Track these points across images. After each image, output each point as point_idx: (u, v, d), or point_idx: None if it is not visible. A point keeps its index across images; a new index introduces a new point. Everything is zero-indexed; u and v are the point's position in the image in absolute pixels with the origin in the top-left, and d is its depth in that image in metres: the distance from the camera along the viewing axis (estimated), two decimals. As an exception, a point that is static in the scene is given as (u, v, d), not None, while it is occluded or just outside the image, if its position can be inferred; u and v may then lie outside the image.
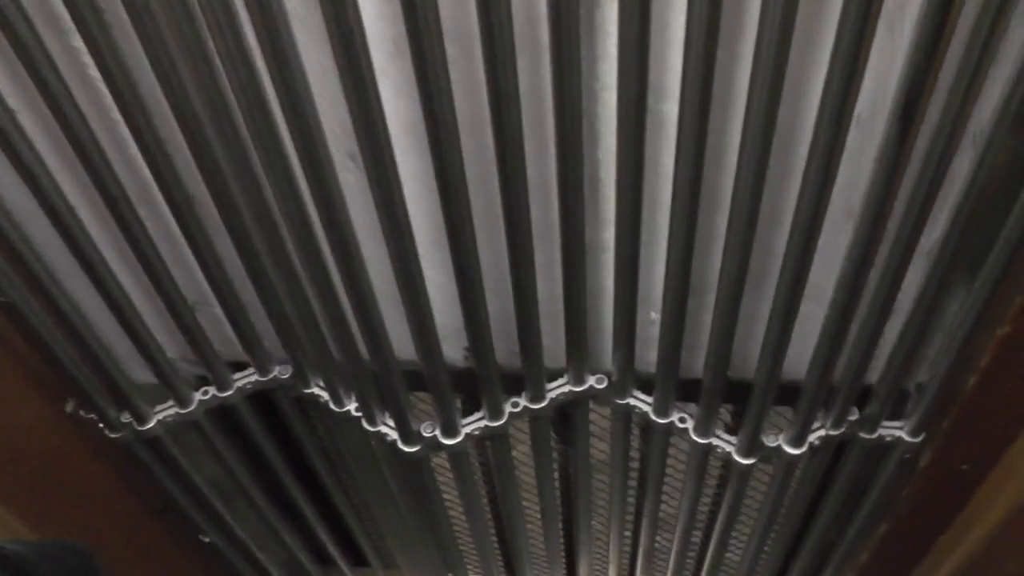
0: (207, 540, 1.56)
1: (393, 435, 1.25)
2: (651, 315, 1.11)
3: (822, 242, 0.90)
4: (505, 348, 1.13)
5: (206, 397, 1.28)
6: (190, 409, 1.28)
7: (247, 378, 1.28)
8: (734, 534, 1.46)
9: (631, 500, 1.58)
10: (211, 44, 0.80)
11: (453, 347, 1.19)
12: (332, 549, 1.74)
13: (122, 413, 1.26)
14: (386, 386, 1.16)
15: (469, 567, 1.74)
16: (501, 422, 1.22)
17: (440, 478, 1.43)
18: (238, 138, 0.89)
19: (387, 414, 1.24)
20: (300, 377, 1.26)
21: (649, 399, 1.20)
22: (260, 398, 1.33)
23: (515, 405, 1.21)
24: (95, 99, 0.93)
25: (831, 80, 0.74)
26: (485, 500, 1.67)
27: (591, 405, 1.25)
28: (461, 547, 1.64)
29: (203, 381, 1.28)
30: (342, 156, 0.96)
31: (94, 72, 0.86)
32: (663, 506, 1.44)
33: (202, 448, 1.38)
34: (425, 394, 1.21)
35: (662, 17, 0.79)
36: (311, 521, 1.63)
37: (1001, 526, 1.10)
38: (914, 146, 0.80)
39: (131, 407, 1.25)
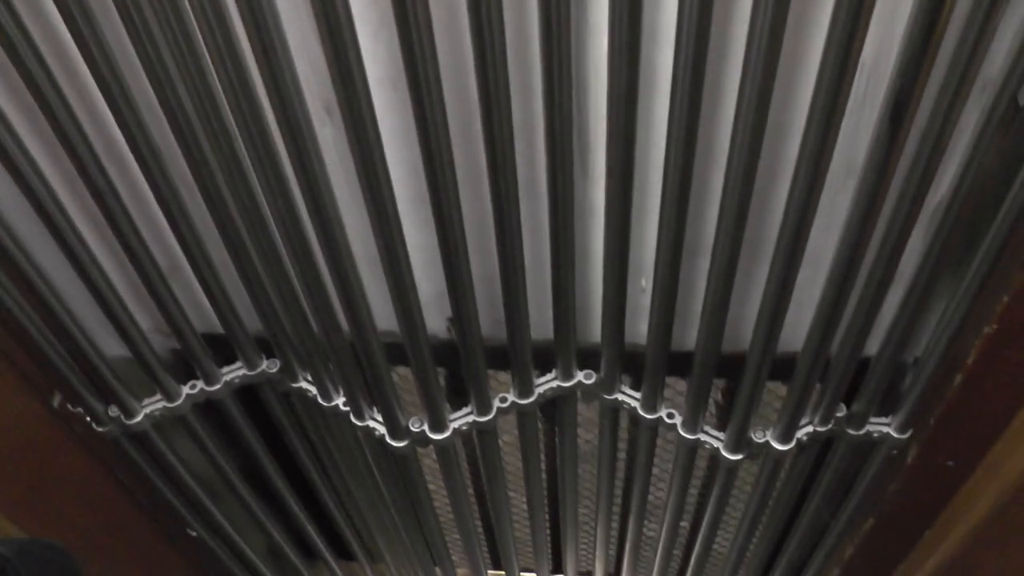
0: (194, 534, 1.56)
1: (381, 430, 1.24)
2: (642, 282, 1.10)
3: (822, 202, 0.86)
4: (489, 318, 1.12)
5: (193, 391, 1.28)
6: (177, 403, 1.28)
7: (235, 372, 1.28)
8: (721, 528, 1.46)
9: (618, 493, 1.58)
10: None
11: (436, 318, 1.18)
12: (318, 542, 1.74)
13: (109, 407, 1.26)
14: (371, 368, 1.14)
15: (455, 560, 1.74)
16: (489, 417, 1.22)
17: (426, 471, 1.43)
18: (207, 87, 0.85)
19: (375, 408, 1.24)
20: (288, 371, 1.26)
21: (637, 395, 1.20)
22: (247, 392, 1.33)
23: (503, 400, 1.21)
24: (56, 46, 0.89)
25: (835, 23, 0.70)
26: (471, 493, 1.68)
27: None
28: (447, 540, 1.64)
29: (190, 374, 1.28)
30: (318, 108, 0.92)
31: (55, 17, 0.81)
32: (650, 497, 1.44)
33: (189, 442, 1.37)
34: (413, 395, 1.21)
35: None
36: (297, 514, 1.63)
37: (985, 522, 1.11)
38: (922, 95, 0.76)
39: (118, 401, 1.24)
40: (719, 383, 1.30)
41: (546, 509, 1.65)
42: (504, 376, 1.30)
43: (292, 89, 0.80)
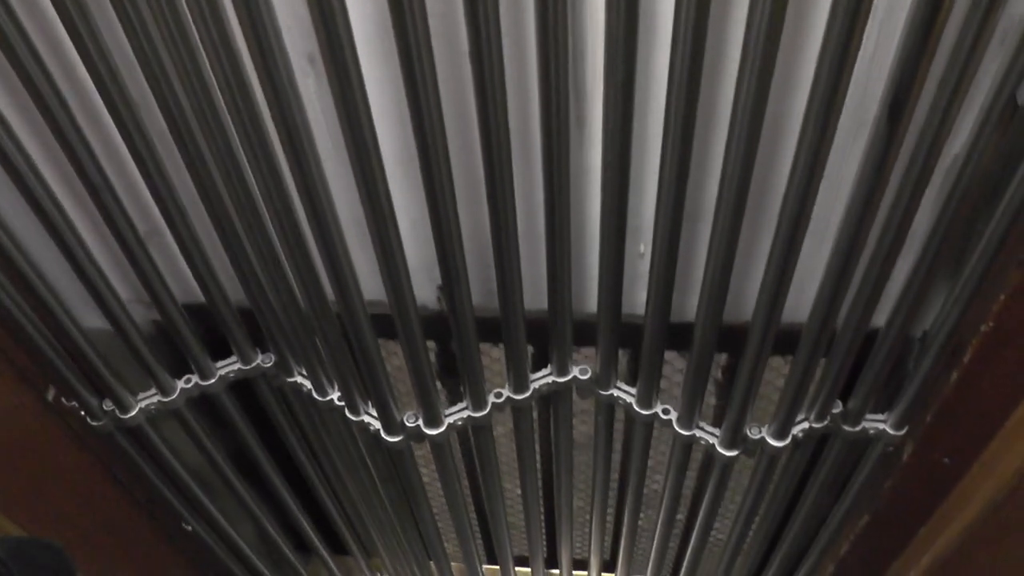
0: (189, 528, 1.56)
1: (376, 425, 1.24)
2: (640, 248, 1.07)
3: (830, 161, 0.81)
4: (481, 288, 1.10)
5: (188, 385, 1.28)
6: (172, 397, 1.27)
7: (229, 367, 1.28)
8: (716, 522, 1.46)
9: (614, 488, 1.58)
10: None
11: (426, 288, 1.16)
12: (313, 536, 1.74)
13: (104, 401, 1.26)
14: (357, 340, 1.10)
15: (450, 554, 1.74)
16: (484, 413, 1.22)
17: (421, 465, 1.43)
18: (184, 33, 0.80)
19: (370, 403, 1.24)
20: (282, 365, 1.26)
21: (632, 390, 1.20)
22: (242, 386, 1.33)
23: (498, 396, 1.21)
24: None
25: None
26: (467, 487, 1.67)
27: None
28: (442, 534, 1.64)
29: (185, 369, 1.27)
30: (300, 58, 0.89)
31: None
32: (645, 490, 1.44)
33: (184, 436, 1.37)
34: (408, 388, 1.20)
35: None
36: (292, 509, 1.63)
37: (980, 519, 1.11)
38: (938, 43, 0.73)
39: (113, 395, 1.24)
40: (720, 359, 1.28)
41: (541, 503, 1.65)
42: (498, 364, 1.30)
43: (273, 37, 0.77)
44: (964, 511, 1.13)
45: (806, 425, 1.17)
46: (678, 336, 1.12)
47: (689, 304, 1.07)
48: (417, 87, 0.78)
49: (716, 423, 1.21)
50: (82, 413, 1.26)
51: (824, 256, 0.94)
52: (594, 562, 1.71)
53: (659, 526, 1.47)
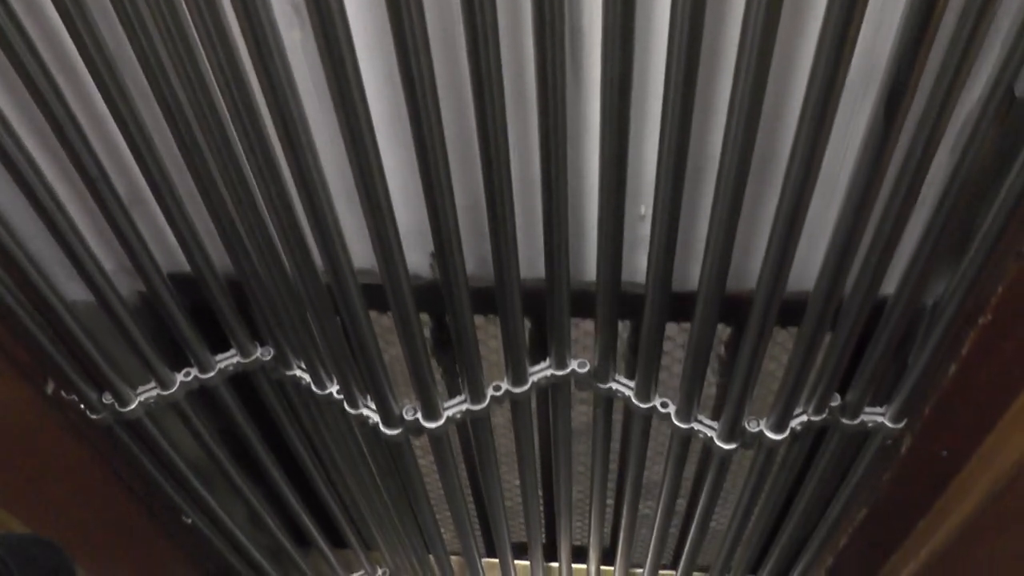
0: (188, 521, 1.56)
1: (375, 418, 1.24)
2: (640, 209, 1.02)
3: (838, 118, 0.78)
4: (475, 255, 1.07)
5: (187, 378, 1.28)
6: (171, 391, 1.28)
7: (228, 360, 1.28)
8: (715, 515, 1.46)
9: (612, 481, 1.58)
10: None
11: (418, 255, 1.12)
12: (312, 529, 1.74)
13: (103, 394, 1.26)
14: (347, 312, 1.05)
15: (449, 547, 1.74)
16: (482, 406, 1.22)
17: (420, 458, 1.43)
18: None
19: (368, 396, 1.24)
20: (281, 359, 1.26)
21: (631, 383, 1.20)
22: (241, 380, 1.33)
23: (497, 389, 1.21)
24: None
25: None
26: (466, 479, 1.68)
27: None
28: (441, 527, 1.64)
29: (184, 362, 1.28)
30: (285, 7, 0.85)
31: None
32: (644, 481, 1.44)
33: (183, 430, 1.37)
34: (406, 379, 1.20)
35: None
36: (291, 502, 1.63)
37: (979, 512, 1.11)
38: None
39: (112, 388, 1.24)
40: (723, 335, 1.26)
41: (540, 495, 1.65)
42: (495, 355, 1.30)
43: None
44: (963, 503, 1.13)
45: (804, 418, 1.18)
46: (680, 307, 1.08)
47: (691, 272, 1.04)
48: (406, 40, 0.76)
49: (715, 416, 1.21)
50: (81, 407, 1.26)
51: (832, 217, 0.91)
52: (593, 555, 1.71)
53: (658, 518, 1.47)
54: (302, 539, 1.78)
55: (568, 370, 1.20)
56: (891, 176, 0.84)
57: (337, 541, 1.83)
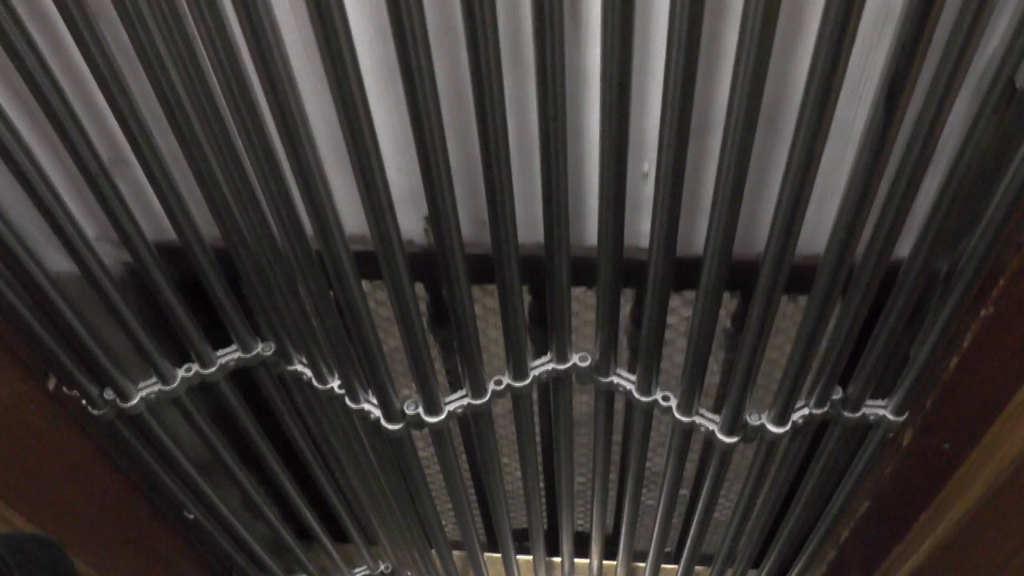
0: (191, 516, 1.56)
1: (376, 413, 1.24)
2: (644, 167, 0.97)
3: (852, 61, 0.74)
4: (471, 217, 1.04)
5: (189, 374, 1.28)
6: (173, 386, 1.28)
7: (230, 355, 1.28)
8: (716, 509, 1.46)
9: (613, 475, 1.58)
10: None
11: (411, 220, 1.08)
12: (314, 525, 1.74)
13: (104, 390, 1.26)
14: (339, 280, 1.01)
15: (451, 542, 1.74)
16: (484, 400, 1.22)
17: (421, 453, 1.43)
18: None
19: (370, 392, 1.24)
20: (283, 354, 1.26)
21: (632, 377, 1.20)
22: (243, 375, 1.33)
23: (498, 383, 1.21)
24: None
25: None
26: (467, 472, 1.68)
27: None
28: (443, 522, 1.64)
29: (185, 357, 1.28)
30: None
31: None
32: (647, 471, 1.44)
33: (185, 425, 1.37)
34: (408, 378, 1.20)
35: None
36: (293, 497, 1.63)
37: (981, 505, 1.11)
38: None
39: (114, 384, 1.24)
40: (730, 307, 1.24)
41: (542, 489, 1.65)
42: (496, 345, 1.30)
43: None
44: (964, 496, 1.13)
45: (806, 411, 1.18)
46: (684, 276, 1.05)
47: (697, 235, 1.00)
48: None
49: (716, 410, 1.21)
50: (83, 402, 1.26)
51: (846, 170, 0.87)
52: (595, 548, 1.72)
53: (660, 511, 1.47)
54: (304, 534, 1.78)
55: (569, 364, 1.20)
56: (908, 124, 0.80)
57: (339, 536, 1.83)
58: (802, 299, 1.18)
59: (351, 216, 1.01)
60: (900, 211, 0.88)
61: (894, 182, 0.85)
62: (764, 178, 0.96)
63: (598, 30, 0.78)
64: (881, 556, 1.41)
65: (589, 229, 1.04)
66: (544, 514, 1.67)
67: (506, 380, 1.20)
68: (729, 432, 1.20)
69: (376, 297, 1.26)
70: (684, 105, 0.80)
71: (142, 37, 0.82)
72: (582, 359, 1.19)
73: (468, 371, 1.17)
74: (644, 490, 1.48)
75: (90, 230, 1.10)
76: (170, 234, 1.08)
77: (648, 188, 0.97)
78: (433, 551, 1.73)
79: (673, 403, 1.21)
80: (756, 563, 1.69)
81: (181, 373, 1.28)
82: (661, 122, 0.83)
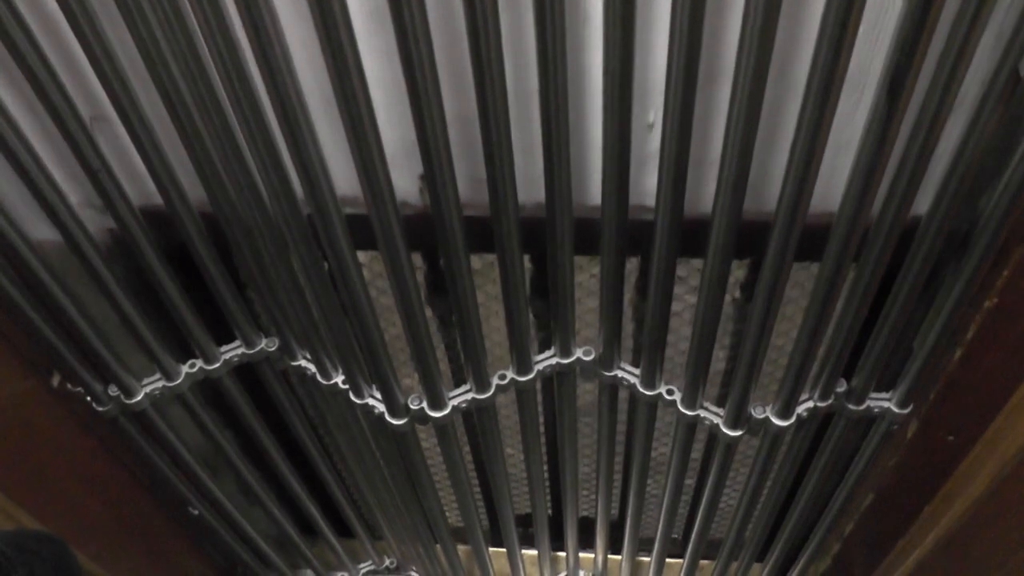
0: (195, 512, 1.56)
1: (380, 407, 1.24)
2: (649, 117, 0.92)
3: (868, 3, 0.69)
4: (468, 176, 0.98)
5: (193, 370, 1.28)
6: (177, 382, 1.28)
7: (233, 351, 1.28)
8: (721, 503, 1.46)
9: (618, 469, 1.58)
10: None
11: (406, 179, 1.02)
12: (319, 520, 1.74)
13: (108, 386, 1.26)
14: (331, 248, 0.97)
15: (456, 536, 1.74)
16: (488, 395, 1.22)
17: (425, 447, 1.44)
18: None
19: (374, 386, 1.24)
20: (286, 349, 1.26)
21: (636, 371, 1.20)
22: (247, 370, 1.33)
23: (502, 377, 1.21)
24: None
25: None
26: (471, 466, 1.68)
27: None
28: (447, 517, 1.64)
29: (189, 354, 1.28)
30: None
31: None
32: (651, 462, 1.44)
33: (189, 421, 1.38)
34: (413, 372, 1.20)
35: None
36: (298, 492, 1.63)
37: (985, 497, 1.10)
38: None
39: (118, 380, 1.24)
40: (739, 277, 1.20)
41: (546, 483, 1.65)
42: (499, 333, 1.29)
43: None
44: (969, 488, 1.12)
45: (810, 404, 1.18)
46: (692, 241, 0.98)
47: (705, 192, 0.95)
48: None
49: (720, 403, 1.21)
50: (87, 399, 1.26)
51: (860, 122, 0.83)
52: (600, 542, 1.72)
53: (664, 503, 1.47)
54: (309, 529, 1.78)
55: (573, 358, 1.20)
56: (928, 68, 0.75)
57: (344, 531, 1.83)
58: (808, 285, 1.17)
59: (343, 176, 0.96)
60: (920, 162, 0.83)
61: (913, 131, 0.81)
62: (776, 129, 0.91)
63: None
64: (885, 549, 1.40)
65: (592, 187, 1.00)
66: (549, 506, 1.67)
67: (510, 375, 1.21)
68: (733, 425, 1.20)
69: (377, 285, 1.25)
70: (692, 49, 0.76)
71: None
72: (586, 353, 1.19)
73: (472, 365, 1.17)
74: (649, 480, 1.47)
75: (72, 195, 1.05)
76: (156, 199, 1.04)
77: (654, 141, 0.92)
78: (438, 546, 1.73)
79: (677, 397, 1.20)
80: (760, 556, 1.69)
81: (185, 369, 1.28)
82: (668, 67, 0.78)
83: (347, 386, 1.24)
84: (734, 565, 1.70)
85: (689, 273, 1.20)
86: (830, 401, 1.18)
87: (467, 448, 1.63)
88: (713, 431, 1.23)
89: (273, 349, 1.28)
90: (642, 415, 1.27)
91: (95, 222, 1.12)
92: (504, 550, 1.74)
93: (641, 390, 1.20)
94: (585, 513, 1.84)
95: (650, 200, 0.94)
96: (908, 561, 1.33)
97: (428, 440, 1.54)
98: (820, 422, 1.25)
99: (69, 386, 1.24)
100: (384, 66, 0.89)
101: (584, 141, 0.96)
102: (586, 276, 1.23)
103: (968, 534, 1.18)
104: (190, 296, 1.18)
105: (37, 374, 1.20)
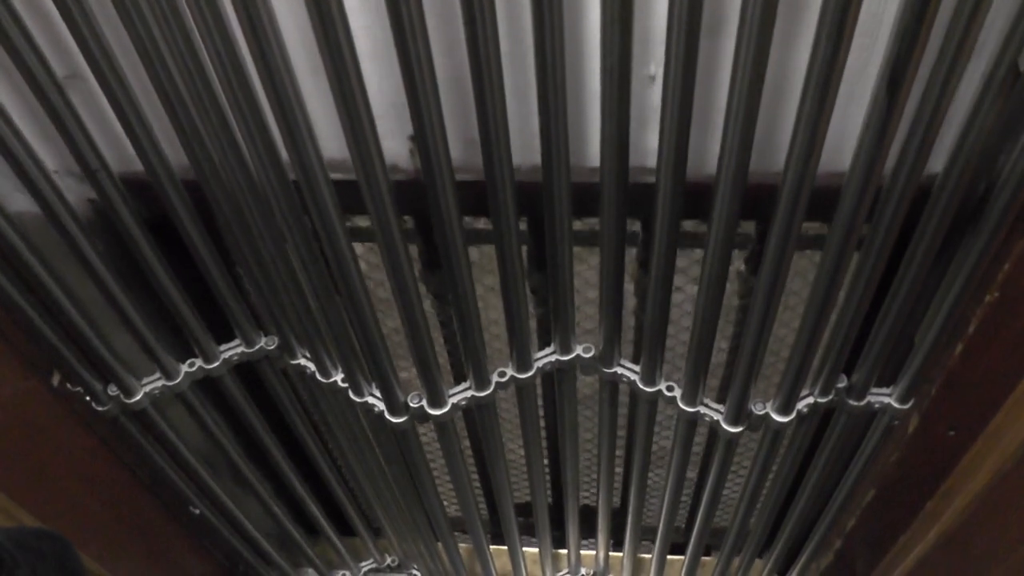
0: (196, 511, 1.56)
1: (380, 406, 1.24)
2: (650, 68, 0.86)
3: None
4: (461, 138, 0.93)
5: (192, 369, 1.28)
6: (176, 381, 1.28)
7: (233, 350, 1.28)
8: (722, 499, 1.46)
9: (619, 465, 1.58)
10: None
11: (395, 142, 0.97)
12: (320, 518, 1.74)
13: (108, 386, 1.26)
14: (320, 217, 0.93)
15: (457, 534, 1.74)
16: (487, 392, 1.22)
17: (426, 445, 1.43)
18: None
19: (374, 384, 1.24)
20: (286, 348, 1.26)
21: (636, 367, 1.20)
22: (246, 369, 1.33)
23: (502, 375, 1.21)
24: None
25: None
26: (471, 463, 1.68)
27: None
28: (448, 514, 1.64)
29: (189, 353, 1.28)
30: None
31: None
32: (650, 461, 1.44)
33: (189, 421, 1.37)
34: (410, 366, 1.20)
35: None
36: (298, 491, 1.63)
37: (986, 492, 1.10)
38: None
39: (118, 380, 1.24)
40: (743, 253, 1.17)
41: (547, 478, 1.65)
42: (499, 326, 1.29)
43: None
44: (970, 483, 1.12)
45: (811, 400, 1.17)
46: (695, 204, 0.93)
47: (710, 152, 0.88)
48: None
49: (720, 399, 1.21)
50: (87, 398, 1.26)
51: (871, 78, 0.78)
52: (601, 539, 1.72)
53: (665, 501, 1.47)
54: (310, 528, 1.78)
55: (573, 355, 1.19)
56: (944, 13, 0.70)
57: (345, 529, 1.83)
58: (811, 275, 1.17)
59: (329, 139, 0.90)
60: (935, 116, 0.78)
61: (928, 82, 0.76)
62: (783, 82, 0.85)
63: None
64: (887, 545, 1.40)
65: (591, 149, 0.94)
66: (549, 497, 1.66)
67: (510, 372, 1.20)
68: (734, 422, 1.20)
69: (374, 277, 1.25)
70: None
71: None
72: (586, 350, 1.19)
73: (471, 363, 1.17)
74: (651, 472, 1.47)
75: (49, 162, 1.00)
76: (136, 165, 0.99)
77: (655, 95, 0.86)
78: (439, 544, 1.73)
79: (677, 393, 1.20)
80: (762, 552, 1.69)
81: (185, 368, 1.28)
82: (669, 16, 0.73)
83: (347, 384, 1.24)
84: (736, 561, 1.70)
85: (689, 265, 1.20)
86: (831, 397, 1.17)
87: (467, 443, 1.62)
88: (714, 427, 1.22)
89: (273, 348, 1.28)
90: (642, 411, 1.27)
91: (74, 192, 1.07)
92: (505, 547, 1.74)
93: (641, 387, 1.20)
94: (586, 502, 1.84)
95: (651, 160, 0.89)
96: (910, 557, 1.33)
97: (428, 435, 1.54)
98: (821, 418, 1.24)
99: (69, 386, 1.24)
100: (372, 20, 0.84)
101: (582, 97, 0.90)
102: (585, 267, 1.23)
103: (969, 530, 1.18)
104: (187, 291, 1.18)
105: (37, 374, 1.20)
